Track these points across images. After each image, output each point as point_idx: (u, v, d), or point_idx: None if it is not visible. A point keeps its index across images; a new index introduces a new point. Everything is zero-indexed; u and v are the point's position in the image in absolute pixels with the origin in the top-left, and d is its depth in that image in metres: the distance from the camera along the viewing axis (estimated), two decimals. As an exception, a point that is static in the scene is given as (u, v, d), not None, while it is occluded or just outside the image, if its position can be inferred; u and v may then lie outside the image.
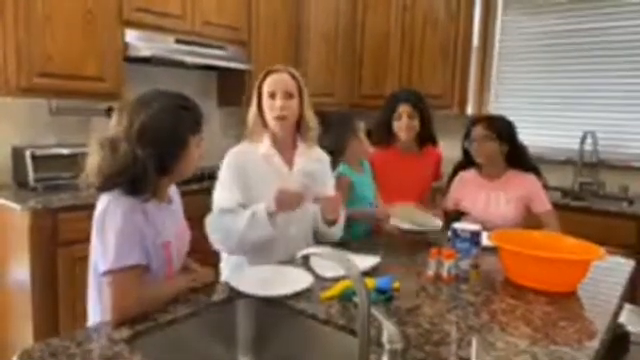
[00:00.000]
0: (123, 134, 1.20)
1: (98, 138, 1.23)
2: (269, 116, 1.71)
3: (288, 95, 1.70)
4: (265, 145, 1.74)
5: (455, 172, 2.37)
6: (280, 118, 1.69)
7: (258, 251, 1.68)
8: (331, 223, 1.77)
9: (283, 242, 1.69)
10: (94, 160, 1.21)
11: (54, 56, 2.38)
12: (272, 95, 1.70)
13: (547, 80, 3.49)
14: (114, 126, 1.24)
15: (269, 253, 1.66)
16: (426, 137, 2.42)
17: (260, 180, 1.69)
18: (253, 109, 1.76)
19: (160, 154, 1.21)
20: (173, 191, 1.42)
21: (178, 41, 2.86)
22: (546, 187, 2.22)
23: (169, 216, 1.35)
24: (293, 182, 1.68)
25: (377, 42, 3.88)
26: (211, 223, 1.67)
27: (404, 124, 2.30)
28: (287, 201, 1.58)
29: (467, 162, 2.28)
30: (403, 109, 2.30)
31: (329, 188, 1.86)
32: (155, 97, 1.26)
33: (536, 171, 2.19)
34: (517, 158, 2.17)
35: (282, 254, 1.64)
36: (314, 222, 1.80)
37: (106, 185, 1.21)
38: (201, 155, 1.34)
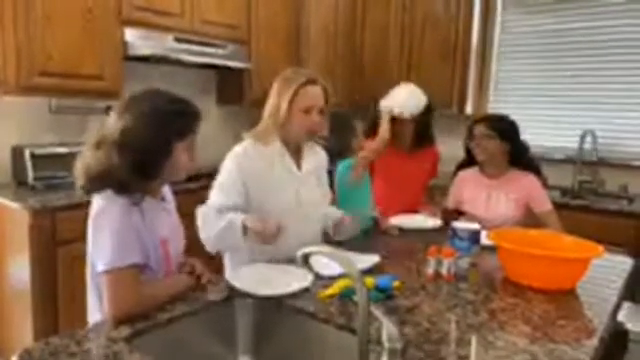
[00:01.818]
0: (109, 136, 1.20)
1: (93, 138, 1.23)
2: (299, 128, 1.67)
3: (321, 111, 1.68)
4: (276, 145, 1.70)
5: (457, 171, 2.37)
6: (313, 134, 1.70)
7: (271, 252, 1.65)
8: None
9: (295, 241, 1.67)
10: (83, 160, 1.21)
11: (54, 55, 2.37)
12: (308, 110, 1.64)
13: (546, 79, 3.49)
14: (106, 126, 1.23)
15: (280, 251, 1.65)
16: (425, 136, 2.43)
17: (273, 179, 1.67)
18: (278, 116, 1.66)
19: (140, 160, 1.19)
20: (165, 189, 1.41)
21: (177, 40, 2.86)
22: (546, 186, 2.22)
23: (164, 213, 1.34)
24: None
25: (377, 41, 3.88)
26: (200, 214, 1.63)
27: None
28: (262, 235, 1.50)
29: (469, 161, 2.29)
30: None
31: (324, 182, 1.88)
32: (145, 99, 1.23)
33: (537, 171, 2.19)
34: (518, 158, 2.17)
35: (293, 252, 1.63)
36: (324, 222, 1.82)
37: (91, 187, 1.21)
38: (192, 159, 1.30)
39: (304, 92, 1.63)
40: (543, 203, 2.13)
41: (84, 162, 1.21)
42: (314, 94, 1.65)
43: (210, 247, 1.63)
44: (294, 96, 1.62)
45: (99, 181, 1.19)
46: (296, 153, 1.77)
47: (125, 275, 1.15)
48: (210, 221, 1.60)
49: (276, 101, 1.67)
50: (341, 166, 2.07)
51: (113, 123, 1.20)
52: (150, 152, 1.20)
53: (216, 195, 1.65)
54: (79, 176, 1.21)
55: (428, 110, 2.36)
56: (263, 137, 1.69)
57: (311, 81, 1.65)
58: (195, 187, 2.62)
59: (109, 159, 1.17)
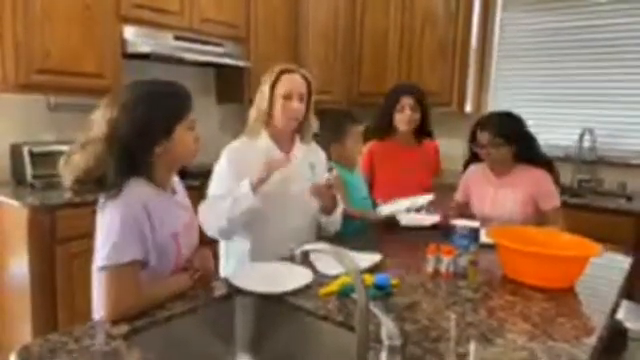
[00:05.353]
0: (97, 132, 1.19)
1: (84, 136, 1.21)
2: (282, 116, 1.73)
3: (302, 98, 1.74)
4: (264, 139, 1.77)
5: (466, 166, 2.33)
6: (295, 120, 1.74)
7: (260, 241, 1.70)
8: (328, 212, 1.79)
9: (287, 234, 1.69)
10: (70, 160, 1.20)
11: (52, 52, 2.37)
12: (288, 96, 1.71)
13: (546, 77, 3.49)
14: (93, 124, 1.21)
15: (272, 244, 1.67)
16: (425, 131, 2.45)
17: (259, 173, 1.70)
18: (262, 105, 1.75)
19: (131, 147, 1.18)
20: (176, 182, 1.40)
21: (177, 38, 2.85)
22: (557, 183, 2.13)
23: (174, 206, 1.32)
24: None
25: (376, 39, 3.88)
26: (202, 210, 1.67)
27: (406, 116, 2.33)
28: (273, 164, 1.61)
29: (476, 160, 2.24)
30: (406, 101, 2.33)
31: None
32: (130, 88, 1.25)
33: (549, 166, 2.12)
34: (527, 153, 2.10)
35: (286, 246, 1.64)
36: (317, 216, 1.83)
37: (81, 186, 1.19)
38: (197, 139, 1.30)
39: (284, 78, 1.72)
40: (550, 200, 2.07)
41: (72, 161, 1.19)
42: (293, 79, 1.73)
43: (221, 231, 1.67)
44: (275, 82, 1.72)
45: (89, 179, 1.18)
46: (287, 147, 1.79)
47: (123, 273, 1.14)
48: (214, 208, 1.65)
49: (260, 91, 1.76)
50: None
51: (100, 118, 1.20)
52: (142, 136, 1.19)
53: (212, 188, 1.74)
54: (66, 175, 1.19)
55: (427, 105, 2.38)
56: (251, 131, 1.78)
57: (288, 70, 1.75)
58: (198, 184, 2.62)
59: (98, 155, 1.16)
